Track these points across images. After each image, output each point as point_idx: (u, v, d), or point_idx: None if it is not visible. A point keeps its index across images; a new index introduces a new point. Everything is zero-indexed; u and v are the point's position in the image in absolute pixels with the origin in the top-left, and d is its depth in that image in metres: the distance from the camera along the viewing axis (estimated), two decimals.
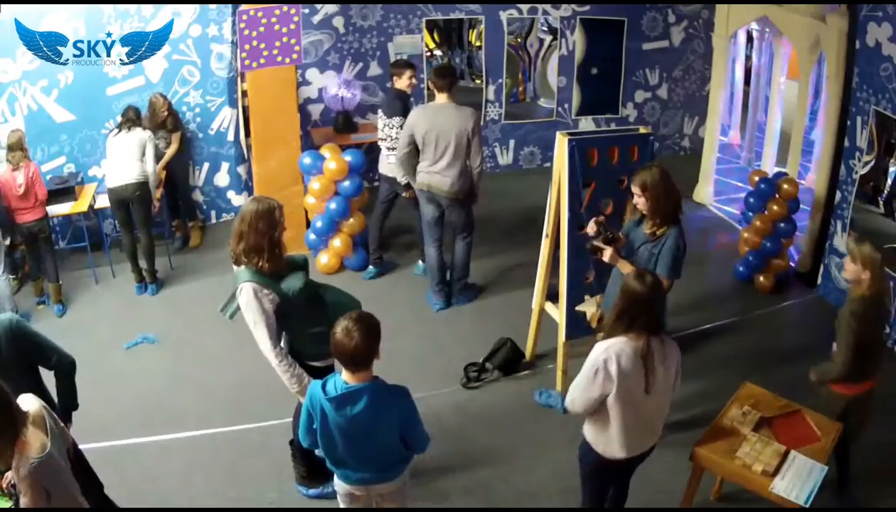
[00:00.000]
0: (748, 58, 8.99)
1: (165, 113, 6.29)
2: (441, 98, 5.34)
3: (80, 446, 3.77)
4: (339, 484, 3.07)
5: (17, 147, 5.48)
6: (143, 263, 6.06)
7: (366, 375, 2.75)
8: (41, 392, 3.24)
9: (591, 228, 3.92)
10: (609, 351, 2.97)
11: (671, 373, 3.10)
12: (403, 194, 5.81)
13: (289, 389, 3.50)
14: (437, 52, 7.86)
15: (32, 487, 2.48)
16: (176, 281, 6.27)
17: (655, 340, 3.01)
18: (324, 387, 2.77)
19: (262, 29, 5.59)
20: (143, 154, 5.78)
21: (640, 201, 3.79)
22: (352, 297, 3.66)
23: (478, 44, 7.92)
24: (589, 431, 3.23)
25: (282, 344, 3.55)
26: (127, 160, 5.74)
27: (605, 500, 3.46)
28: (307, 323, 3.50)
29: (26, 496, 2.48)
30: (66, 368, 3.24)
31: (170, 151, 6.52)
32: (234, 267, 3.51)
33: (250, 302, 3.33)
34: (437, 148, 5.26)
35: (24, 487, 2.47)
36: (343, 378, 2.76)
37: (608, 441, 3.14)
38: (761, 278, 6.08)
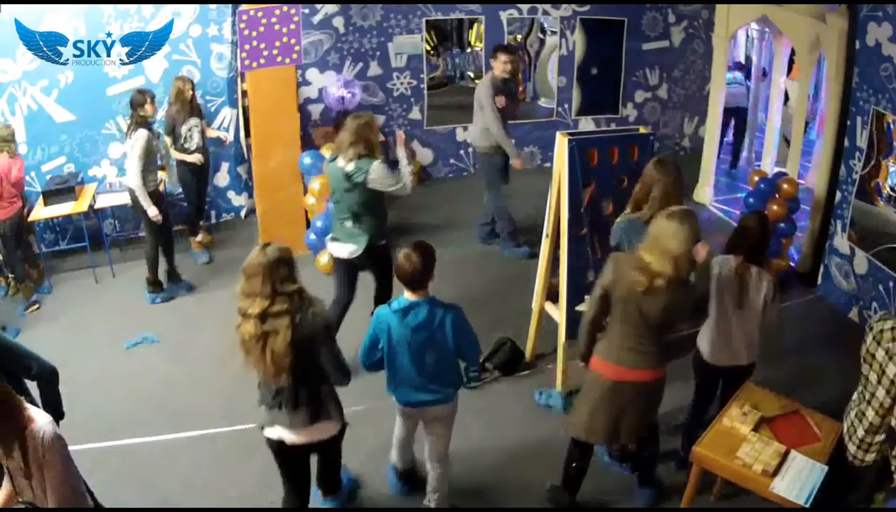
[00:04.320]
0: (748, 58, 8.99)
1: (191, 91, 6.04)
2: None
3: (80, 447, 3.78)
4: (396, 403, 3.58)
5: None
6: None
7: (424, 293, 3.31)
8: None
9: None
10: (718, 259, 3.79)
11: (759, 299, 3.70)
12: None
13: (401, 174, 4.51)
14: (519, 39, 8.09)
15: (60, 451, 2.57)
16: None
17: (753, 268, 3.71)
18: (389, 306, 3.33)
19: (262, 29, 5.59)
20: None
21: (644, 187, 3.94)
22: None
23: (478, 44, 7.93)
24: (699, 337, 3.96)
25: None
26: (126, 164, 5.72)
27: (709, 402, 4.04)
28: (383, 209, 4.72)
29: (53, 466, 2.54)
30: (47, 377, 3.18)
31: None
32: (352, 165, 4.39)
33: (387, 175, 4.43)
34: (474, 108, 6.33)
35: (52, 455, 2.54)
36: (406, 296, 3.31)
37: (701, 340, 3.90)
38: None
